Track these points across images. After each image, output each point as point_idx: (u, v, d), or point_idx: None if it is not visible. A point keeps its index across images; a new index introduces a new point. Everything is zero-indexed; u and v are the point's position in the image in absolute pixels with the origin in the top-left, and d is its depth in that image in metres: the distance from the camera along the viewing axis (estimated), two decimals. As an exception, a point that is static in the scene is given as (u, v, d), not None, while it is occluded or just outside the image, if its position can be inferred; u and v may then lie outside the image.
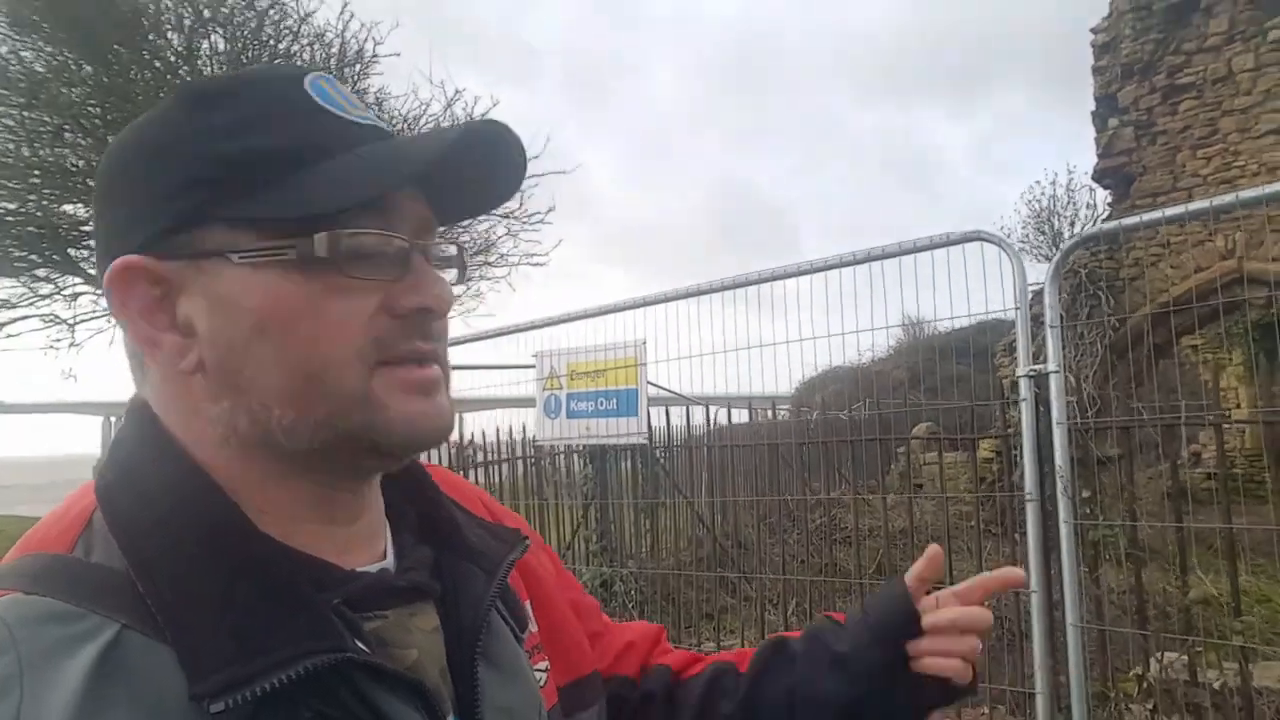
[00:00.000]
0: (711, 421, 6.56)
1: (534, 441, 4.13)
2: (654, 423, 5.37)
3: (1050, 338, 2.44)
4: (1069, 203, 11.15)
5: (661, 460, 5.43)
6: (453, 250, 0.61)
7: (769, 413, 8.00)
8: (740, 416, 7.57)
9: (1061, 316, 8.89)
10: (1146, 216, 2.42)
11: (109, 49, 5.84)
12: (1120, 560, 2.56)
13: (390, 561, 0.59)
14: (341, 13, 6.71)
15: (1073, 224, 11.13)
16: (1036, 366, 2.46)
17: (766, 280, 3.49)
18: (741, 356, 3.45)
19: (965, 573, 3.75)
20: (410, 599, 0.56)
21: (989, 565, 3.92)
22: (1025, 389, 2.49)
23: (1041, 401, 2.48)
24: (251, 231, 0.50)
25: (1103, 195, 9.57)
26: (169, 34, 6.13)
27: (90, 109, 6.15)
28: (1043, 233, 11.71)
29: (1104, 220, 9.65)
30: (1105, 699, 2.49)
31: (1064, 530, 2.38)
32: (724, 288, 3.59)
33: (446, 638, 0.57)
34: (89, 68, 5.84)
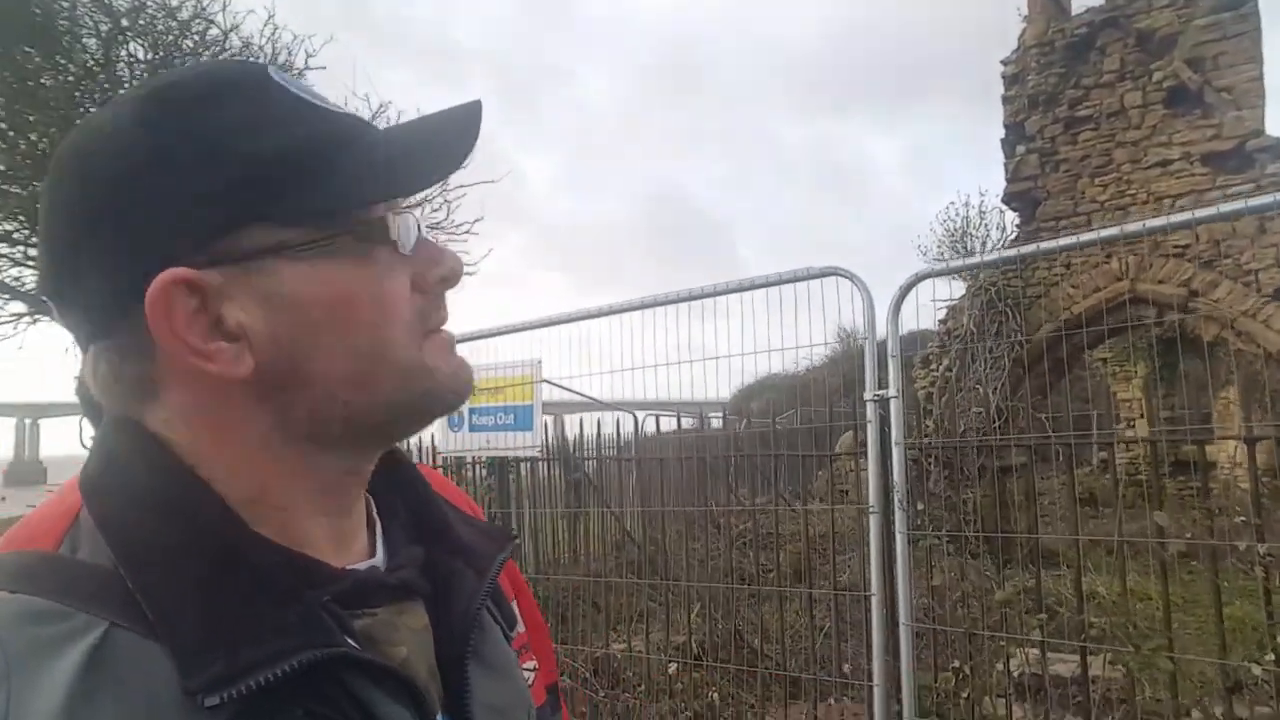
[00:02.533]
0: (639, 430, 6.72)
1: (438, 452, 4.27)
2: (586, 431, 5.48)
3: (891, 366, 2.71)
4: (981, 223, 11.74)
5: (586, 471, 5.56)
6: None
7: (699, 421, 8.21)
8: (671, 424, 7.76)
9: (971, 333, 9.18)
10: (969, 261, 2.70)
11: (19, 52, 5.73)
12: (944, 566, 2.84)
13: (380, 559, 0.58)
14: (266, 24, 6.67)
15: (984, 244, 11.72)
16: (880, 392, 2.73)
17: (670, 302, 3.64)
18: (631, 370, 3.61)
19: (855, 573, 4.05)
20: (399, 597, 0.56)
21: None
22: (871, 412, 2.75)
23: (886, 423, 2.75)
24: (300, 227, 0.50)
25: (1011, 217, 10.12)
26: (86, 39, 6.03)
27: (-1, 112, 6.01)
28: (958, 252, 12.28)
29: (1014, 241, 10.18)
30: (930, 689, 2.77)
31: (899, 540, 2.65)
32: (632, 308, 3.76)
33: (436, 636, 0.57)
34: (-1, 70, 5.72)
